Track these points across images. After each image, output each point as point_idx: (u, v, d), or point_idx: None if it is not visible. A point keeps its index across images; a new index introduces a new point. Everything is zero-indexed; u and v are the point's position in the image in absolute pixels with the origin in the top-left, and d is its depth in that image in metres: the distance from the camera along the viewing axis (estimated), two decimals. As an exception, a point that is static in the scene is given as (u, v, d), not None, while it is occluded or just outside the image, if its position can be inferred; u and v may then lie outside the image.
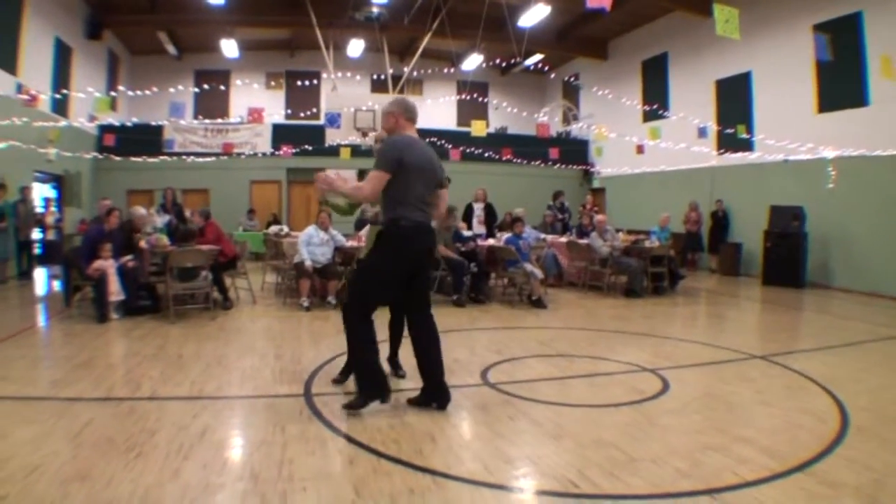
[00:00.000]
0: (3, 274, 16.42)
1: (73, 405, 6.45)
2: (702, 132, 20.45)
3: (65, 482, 4.62)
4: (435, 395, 6.52)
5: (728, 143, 20.24)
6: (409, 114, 6.60)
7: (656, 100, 23.77)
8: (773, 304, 14.60)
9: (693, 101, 22.24)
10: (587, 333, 10.69)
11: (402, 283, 6.40)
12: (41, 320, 11.75)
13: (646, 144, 22.23)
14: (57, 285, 15.21)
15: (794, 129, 17.80)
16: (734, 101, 20.75)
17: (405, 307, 6.74)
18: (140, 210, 13.10)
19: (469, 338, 10.30)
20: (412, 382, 7.14)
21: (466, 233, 14.80)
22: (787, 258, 17.16)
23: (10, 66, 17.67)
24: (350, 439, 5.64)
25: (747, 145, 19.67)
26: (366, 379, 6.31)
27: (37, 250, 18.35)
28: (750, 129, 19.49)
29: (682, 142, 20.87)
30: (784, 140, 17.89)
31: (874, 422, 6.21)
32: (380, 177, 6.15)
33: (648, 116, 23.90)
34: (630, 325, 11.39)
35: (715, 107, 21.68)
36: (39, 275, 17.85)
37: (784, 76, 18.70)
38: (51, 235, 19.56)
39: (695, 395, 7.12)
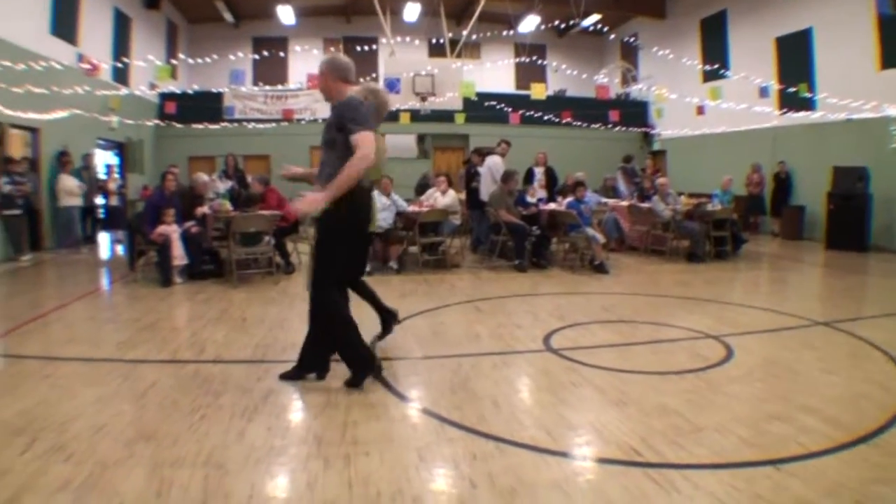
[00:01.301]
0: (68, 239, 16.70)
1: (138, 367, 6.53)
2: (763, 92, 20.07)
3: (130, 442, 4.66)
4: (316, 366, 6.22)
5: (790, 102, 19.73)
6: (343, 73, 6.08)
7: (716, 59, 23.26)
8: (836, 269, 14.28)
9: (753, 59, 21.71)
10: (649, 299, 10.56)
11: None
12: (106, 284, 11.91)
13: (706, 105, 21.88)
14: (120, 250, 15.40)
15: (857, 87, 17.32)
16: (795, 59, 20.22)
17: None
18: (203, 176, 13.15)
19: (531, 303, 10.24)
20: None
21: (531, 199, 14.66)
22: (850, 221, 16.73)
23: (71, 37, 17.86)
24: (412, 404, 5.63)
25: (809, 104, 19.15)
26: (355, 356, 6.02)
27: (100, 215, 18.57)
28: (812, 88, 19.02)
29: (743, 102, 20.50)
30: (846, 98, 17.45)
31: (943, 391, 6.03)
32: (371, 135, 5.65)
33: (708, 76, 23.45)
34: (692, 290, 11.23)
35: (776, 65, 21.14)
36: (103, 239, 18.09)
37: (845, 32, 18.14)
38: (113, 201, 19.82)
39: (758, 363, 6.98)
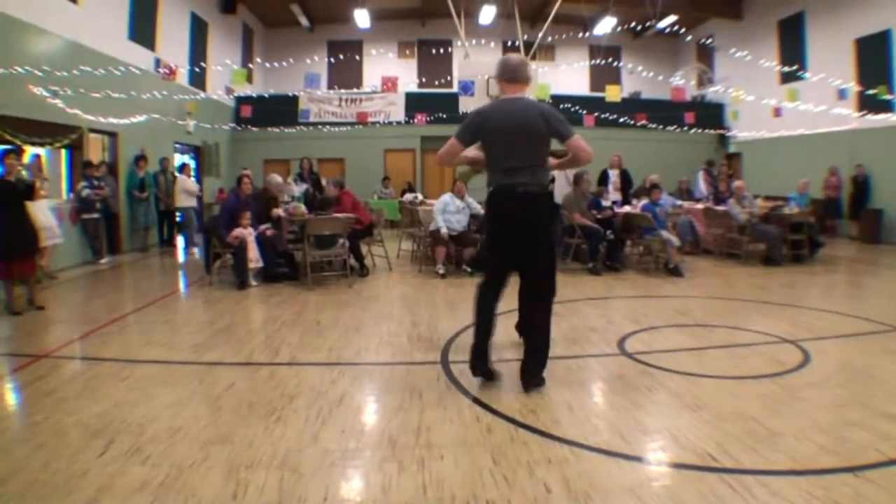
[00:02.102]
0: (146, 242, 16.98)
1: (213, 369, 6.61)
2: (841, 94, 19.73)
3: (206, 444, 4.70)
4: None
5: (869, 104, 19.35)
6: (510, 74, 6.12)
7: (793, 61, 22.88)
8: (917, 274, 13.98)
9: (831, 61, 21.29)
10: (725, 302, 10.41)
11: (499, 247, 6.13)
12: (182, 287, 12.07)
13: (783, 107, 21.56)
14: (197, 253, 15.60)
15: (938, 89, 16.95)
16: (874, 60, 19.81)
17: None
18: (276, 178, 13.29)
19: (605, 306, 10.16)
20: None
21: (605, 202, 14.56)
22: (930, 224, 16.40)
23: (149, 43, 18.21)
24: (487, 408, 5.58)
25: (888, 107, 18.79)
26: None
27: (177, 219, 18.87)
28: (891, 90, 18.62)
29: (821, 104, 20.16)
30: (927, 101, 17.09)
31: None
32: (452, 144, 6.11)
33: (785, 78, 23.09)
34: (769, 294, 11.04)
35: (855, 67, 20.73)
36: (180, 243, 18.35)
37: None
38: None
39: (836, 368, 6.81)
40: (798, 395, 5.89)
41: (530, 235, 5.96)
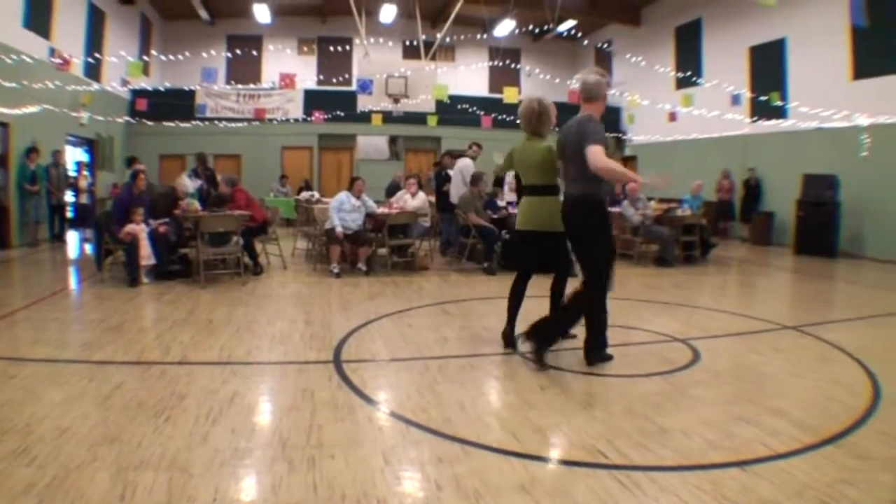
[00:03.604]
0: (36, 237, 16.57)
1: (103, 368, 6.48)
2: (735, 99, 20.30)
3: (94, 445, 4.62)
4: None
5: (761, 110, 20.05)
6: (585, 93, 6.87)
7: (689, 67, 23.52)
8: (805, 274, 14.46)
9: (726, 68, 21.94)
10: (618, 303, 10.57)
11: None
12: (73, 283, 11.84)
13: (678, 112, 22.06)
14: (89, 249, 15.31)
15: (829, 97, 17.62)
16: (768, 68, 20.48)
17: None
18: (184, 180, 13.20)
19: (499, 305, 10.19)
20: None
21: (501, 202, 14.73)
22: (819, 227, 17.01)
23: (44, 31, 17.70)
24: (379, 406, 5.63)
25: (781, 113, 19.45)
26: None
27: (69, 214, 18.47)
28: (784, 97, 19.29)
29: (715, 109, 20.73)
30: (818, 108, 17.72)
31: (908, 394, 6.12)
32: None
33: (681, 83, 23.66)
34: (661, 294, 11.31)
35: (749, 74, 21.40)
36: (72, 238, 17.99)
37: (819, 43, 18.41)
38: (83, 199, 19.71)
39: (726, 366, 7.05)
40: (688, 393, 6.07)
41: (579, 235, 6.81)
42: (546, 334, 6.83)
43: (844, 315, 10.04)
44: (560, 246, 7.25)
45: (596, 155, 6.29)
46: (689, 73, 22.84)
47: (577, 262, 6.98)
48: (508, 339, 7.61)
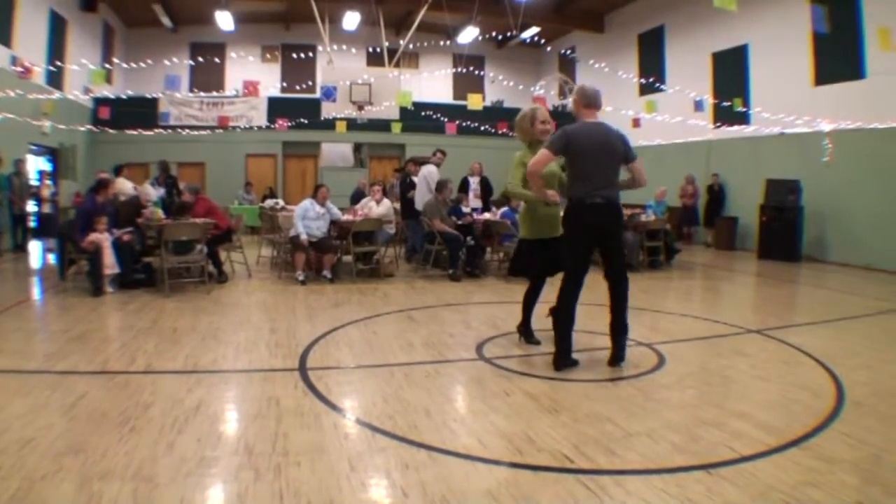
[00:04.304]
0: (-2, 247, 16.44)
1: (67, 378, 6.44)
2: (698, 105, 20.42)
3: (58, 455, 4.60)
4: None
5: (724, 116, 20.22)
6: (585, 100, 7.16)
7: (653, 73, 23.71)
8: (768, 279, 14.61)
9: (689, 74, 22.14)
10: (583, 308, 10.49)
11: (580, 250, 7.16)
12: (36, 293, 11.75)
13: (642, 118, 22.17)
14: (52, 258, 15.20)
15: (791, 103, 17.82)
16: (731, 74, 20.70)
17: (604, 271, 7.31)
18: (148, 189, 13.12)
19: (464, 312, 10.32)
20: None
21: (465, 209, 14.79)
22: (782, 232, 17.21)
23: (5, 39, 17.59)
24: (344, 414, 5.64)
25: (743, 118, 19.64)
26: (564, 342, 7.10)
27: (32, 223, 18.31)
28: (746, 103, 19.47)
29: (679, 115, 20.86)
30: (780, 113, 17.91)
31: (870, 396, 6.20)
32: (544, 153, 6.85)
33: (645, 90, 23.86)
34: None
35: (711, 80, 21.61)
36: (34, 248, 17.84)
37: (781, 49, 18.63)
38: (46, 209, 19.54)
39: (690, 370, 7.12)
40: (653, 397, 6.13)
41: (611, 235, 7.12)
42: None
43: (808, 319, 10.17)
44: (526, 251, 7.90)
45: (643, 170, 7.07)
46: (652, 80, 23.00)
47: (614, 257, 7.32)
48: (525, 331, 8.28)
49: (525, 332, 8.23)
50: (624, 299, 7.18)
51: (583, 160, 6.87)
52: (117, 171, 18.13)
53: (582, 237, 7.08)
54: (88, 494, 4.05)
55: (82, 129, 22.97)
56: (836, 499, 4.15)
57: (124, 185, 14.61)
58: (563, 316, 7.12)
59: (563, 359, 7.02)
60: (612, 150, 6.93)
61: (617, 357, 7.12)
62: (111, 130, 23.45)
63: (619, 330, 7.16)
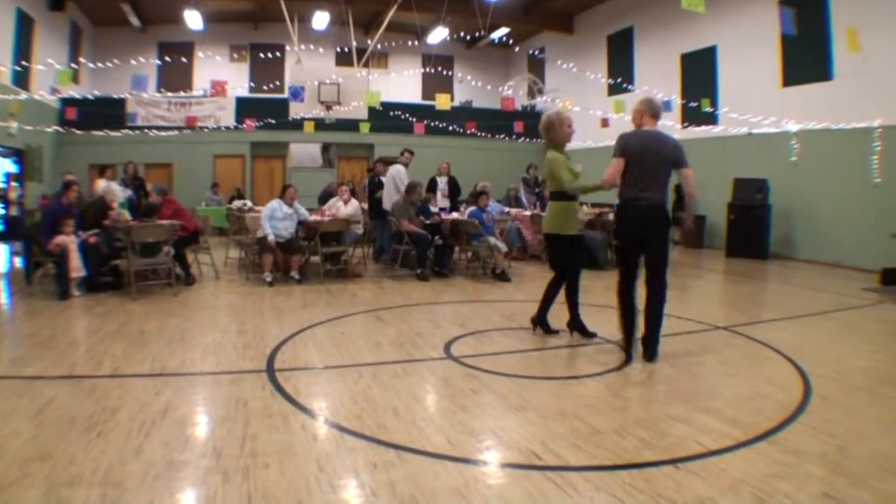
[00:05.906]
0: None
1: (34, 383, 6.41)
2: (666, 106, 20.48)
3: (26, 461, 4.59)
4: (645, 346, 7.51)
5: (692, 116, 20.35)
6: (652, 110, 7.66)
7: (621, 74, 23.82)
8: (736, 276, 14.78)
9: (658, 74, 22.26)
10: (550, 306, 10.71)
11: (626, 247, 7.92)
12: (3, 297, 11.66)
13: (611, 118, 22.26)
14: (18, 262, 15.08)
15: (759, 103, 18.00)
16: (699, 74, 20.87)
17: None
18: (113, 186, 13.00)
19: (432, 311, 10.34)
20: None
21: (434, 208, 14.83)
22: (750, 230, 17.36)
23: (-30, 39, 17.41)
24: (312, 415, 5.66)
25: (712, 119, 19.79)
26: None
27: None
28: (714, 103, 19.62)
29: (647, 115, 20.94)
30: (748, 114, 18.08)
31: (837, 390, 6.33)
32: (615, 161, 7.46)
33: (613, 90, 23.94)
34: (593, 297, 11.34)
35: (680, 81, 21.78)
36: (1, 251, 17.69)
37: (749, 50, 18.81)
38: (12, 211, 19.38)
39: (659, 367, 7.21)
40: (621, 394, 6.23)
41: (655, 235, 7.58)
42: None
43: (775, 315, 10.33)
44: (566, 247, 8.61)
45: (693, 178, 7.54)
46: (620, 80, 23.09)
47: (656, 255, 7.70)
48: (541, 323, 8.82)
49: (577, 326, 8.67)
50: (659, 306, 7.53)
51: (631, 164, 7.35)
52: (102, 171, 17.97)
53: (625, 236, 7.76)
54: (56, 501, 4.05)
55: (49, 130, 22.77)
56: (803, 490, 4.24)
57: (111, 186, 14.44)
58: (622, 311, 7.75)
59: (633, 347, 7.59)
60: (660, 156, 7.35)
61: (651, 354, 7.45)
62: (78, 131, 23.25)
63: (650, 342, 7.48)
